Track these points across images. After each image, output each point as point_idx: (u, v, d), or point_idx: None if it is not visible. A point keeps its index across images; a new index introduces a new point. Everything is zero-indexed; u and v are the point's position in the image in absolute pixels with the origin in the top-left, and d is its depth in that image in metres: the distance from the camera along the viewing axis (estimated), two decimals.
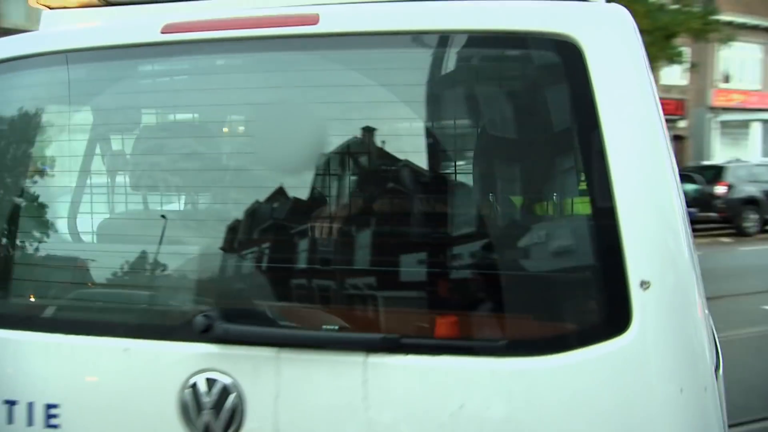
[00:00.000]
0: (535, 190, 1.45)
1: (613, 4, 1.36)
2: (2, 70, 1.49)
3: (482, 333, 1.37)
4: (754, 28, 23.96)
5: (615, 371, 1.17)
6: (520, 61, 1.42)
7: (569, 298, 1.32)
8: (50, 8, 1.70)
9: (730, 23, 19.14)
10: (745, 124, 25.60)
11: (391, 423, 1.25)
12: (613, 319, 1.17)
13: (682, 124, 23.65)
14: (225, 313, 1.26)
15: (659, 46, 12.56)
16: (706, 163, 20.05)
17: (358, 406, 1.22)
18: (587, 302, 1.30)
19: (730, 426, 2.69)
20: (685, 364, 1.18)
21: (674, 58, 13.89)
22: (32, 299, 1.57)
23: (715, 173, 14.90)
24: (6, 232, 1.55)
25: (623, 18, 1.29)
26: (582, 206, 1.29)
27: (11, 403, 1.36)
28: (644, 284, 1.13)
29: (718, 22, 14.53)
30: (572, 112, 1.29)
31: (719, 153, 23.75)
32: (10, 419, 1.36)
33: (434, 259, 1.39)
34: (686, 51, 15.62)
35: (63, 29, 1.59)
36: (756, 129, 25.31)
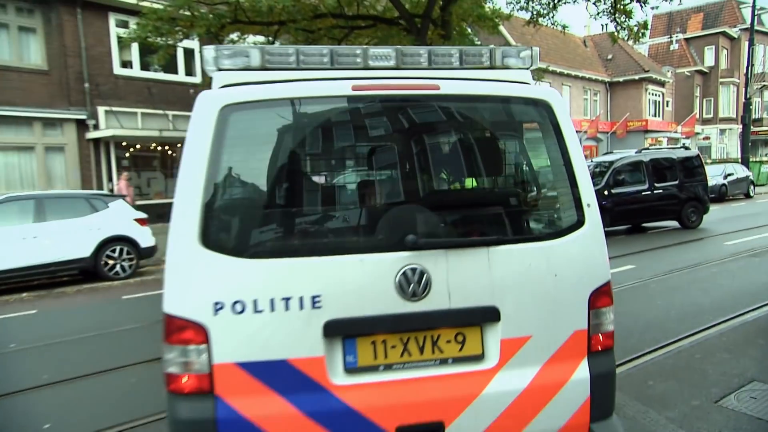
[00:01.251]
0: (538, 173, 2.96)
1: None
2: (248, 108, 2.41)
3: (533, 232, 2.84)
4: (542, 70, 30.82)
5: (583, 242, 2.59)
6: (531, 110, 2.81)
7: (564, 214, 2.72)
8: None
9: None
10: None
11: (501, 276, 2.47)
12: (580, 221, 2.59)
13: None
14: (419, 235, 2.39)
15: None
16: None
17: (486, 271, 2.45)
18: (571, 215, 2.63)
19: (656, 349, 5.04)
20: (600, 232, 2.63)
21: None
22: (309, 239, 2.60)
23: None
24: (289, 204, 2.62)
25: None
26: (562, 179, 2.68)
27: (287, 299, 2.28)
28: (588, 205, 2.59)
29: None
30: (555, 136, 2.65)
31: None
32: (287, 307, 2.29)
33: (515, 203, 2.92)
34: None
35: (284, 85, 2.46)
36: None
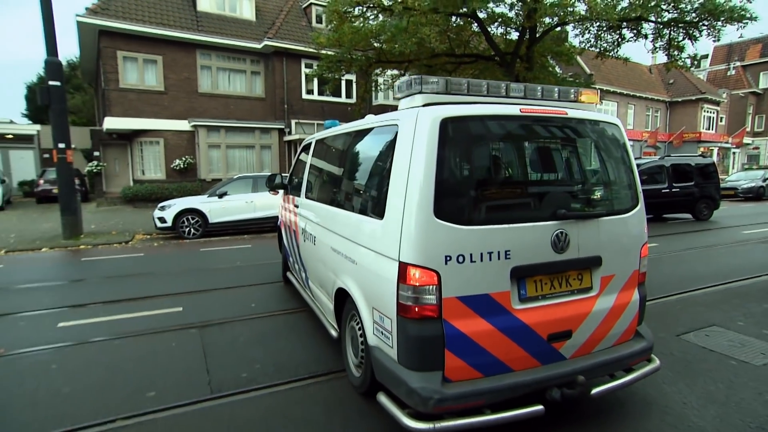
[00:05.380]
0: (618, 172, 3.00)
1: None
2: (460, 122, 2.47)
3: (619, 209, 2.87)
4: (612, 93, 30.33)
5: (638, 215, 2.91)
6: (609, 129, 2.99)
7: (630, 198, 2.93)
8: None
9: (600, 89, 22.14)
10: None
11: (603, 236, 2.73)
12: (636, 202, 2.91)
13: None
14: (561, 212, 2.58)
15: None
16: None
17: (597, 233, 2.70)
18: (633, 199, 2.92)
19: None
20: (644, 209, 2.94)
21: None
22: (503, 213, 2.59)
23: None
24: (490, 189, 2.67)
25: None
26: (628, 177, 3.01)
27: (490, 253, 2.42)
28: (640, 193, 2.92)
29: (594, 88, 17.28)
30: (623, 148, 3.02)
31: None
32: (490, 258, 2.43)
33: (609, 191, 2.99)
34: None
35: (477, 106, 2.55)
36: None
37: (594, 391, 2.53)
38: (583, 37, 14.90)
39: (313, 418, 2.77)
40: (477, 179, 2.63)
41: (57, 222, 10.92)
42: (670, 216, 13.21)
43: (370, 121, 3.20)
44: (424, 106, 2.48)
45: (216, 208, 10.50)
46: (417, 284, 2.31)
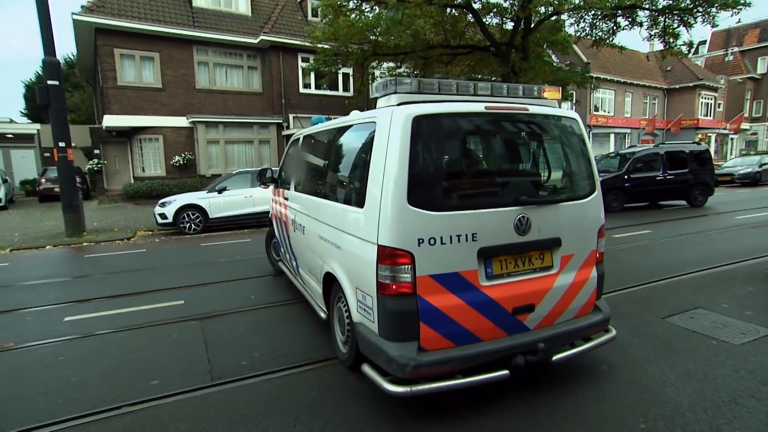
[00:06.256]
0: (575, 162, 3.27)
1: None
2: (430, 119, 2.69)
3: (576, 195, 3.13)
4: (609, 81, 30.52)
5: (595, 201, 3.16)
6: (568, 124, 3.24)
7: (587, 186, 3.19)
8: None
9: (597, 77, 23.78)
10: (606, 135, 31.85)
11: (562, 219, 2.99)
12: (593, 189, 3.17)
13: None
14: (523, 198, 2.85)
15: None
16: None
17: (556, 217, 2.96)
18: (590, 186, 3.19)
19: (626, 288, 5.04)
20: (600, 195, 3.21)
21: (567, 97, 18.20)
22: (469, 200, 2.84)
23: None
24: (457, 178, 2.93)
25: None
26: (585, 166, 3.27)
27: (458, 236, 2.66)
28: (596, 181, 3.21)
29: (590, 77, 17.27)
30: (580, 141, 3.25)
31: (593, 151, 29.98)
32: (458, 240, 2.66)
33: (568, 179, 3.23)
34: (574, 93, 20.45)
35: (446, 104, 2.78)
36: (611, 137, 32.12)
37: (555, 357, 2.87)
38: (578, 26, 14.88)
39: (309, 401, 2.91)
40: (446, 170, 2.85)
41: (60, 220, 11.05)
42: (666, 203, 13.31)
43: (351, 118, 3.43)
44: (398, 105, 2.71)
45: (216, 204, 10.62)
46: (393, 264, 2.57)
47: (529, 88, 3.08)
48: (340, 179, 3.48)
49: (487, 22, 14.93)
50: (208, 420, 2.73)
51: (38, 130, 23.14)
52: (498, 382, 2.67)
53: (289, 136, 18.58)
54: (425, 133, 2.65)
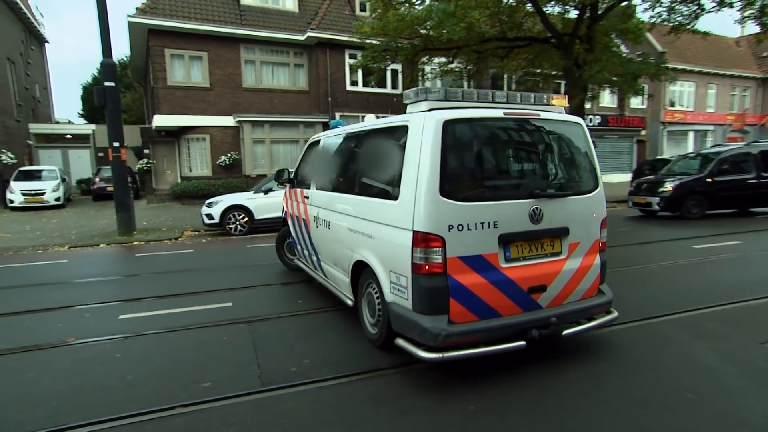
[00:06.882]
0: (581, 160, 3.87)
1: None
2: (458, 123, 3.28)
3: (583, 190, 3.72)
4: (689, 72, 28.65)
5: (599, 195, 3.80)
6: (574, 127, 3.84)
7: (592, 182, 3.80)
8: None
9: (674, 68, 21.83)
10: (683, 133, 30.05)
11: (570, 211, 3.58)
12: (597, 185, 3.80)
13: (643, 132, 28.00)
14: (536, 191, 3.44)
15: (628, 84, 14.89)
16: (659, 157, 22.71)
17: (564, 209, 3.56)
18: (594, 182, 3.80)
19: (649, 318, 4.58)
20: (602, 191, 3.84)
21: (639, 91, 15.98)
22: (492, 192, 3.41)
23: (665, 164, 15.56)
24: (481, 174, 3.49)
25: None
26: (590, 164, 3.91)
27: (482, 223, 3.24)
28: (599, 177, 3.83)
29: (666, 68, 16.02)
30: (585, 142, 3.86)
31: (667, 151, 28.30)
32: (482, 227, 3.23)
33: (575, 175, 3.80)
34: (646, 86, 18.12)
35: (471, 110, 3.38)
36: (690, 136, 30.26)
37: (565, 332, 3.46)
38: (653, 11, 14.14)
39: (363, 414, 2.92)
40: (471, 166, 3.41)
41: (112, 219, 11.87)
42: (759, 210, 12.31)
43: (381, 121, 4.07)
44: (429, 111, 3.28)
45: (261, 205, 11.00)
46: (427, 247, 3.12)
47: (540, 96, 3.68)
48: (373, 176, 3.95)
49: (547, 11, 14.53)
50: (260, 426, 2.81)
51: (93, 130, 25.02)
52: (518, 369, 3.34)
53: None
54: (453, 134, 3.23)
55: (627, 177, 23.83)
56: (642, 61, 15.19)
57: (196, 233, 11.34)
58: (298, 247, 6.04)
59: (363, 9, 20.20)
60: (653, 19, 14.38)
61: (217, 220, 10.80)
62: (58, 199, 17.56)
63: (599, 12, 13.92)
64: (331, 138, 5.11)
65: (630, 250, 8.23)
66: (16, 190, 16.90)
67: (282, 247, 6.93)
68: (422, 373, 3.46)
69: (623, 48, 19.03)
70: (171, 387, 3.35)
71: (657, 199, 11.80)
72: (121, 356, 3.93)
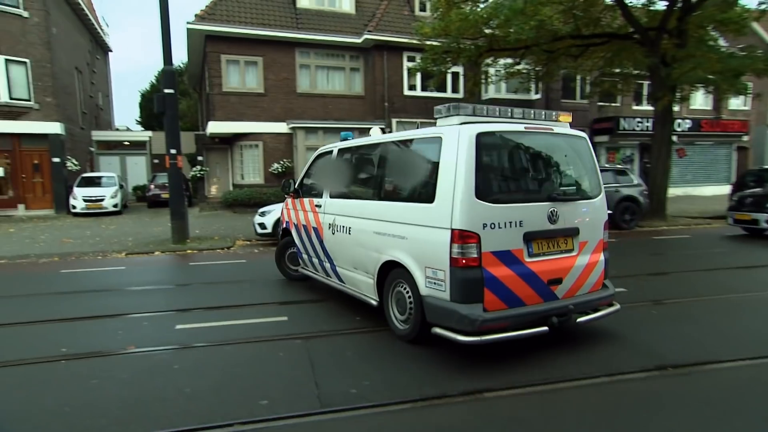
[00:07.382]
0: (586, 170, 4.75)
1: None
2: (488, 136, 4.05)
3: (589, 196, 4.61)
4: None
5: (602, 201, 4.69)
6: (579, 141, 4.69)
7: (596, 188, 4.69)
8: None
9: None
10: None
11: (580, 213, 4.46)
12: (600, 191, 4.68)
13: (745, 138, 26.31)
14: (554, 195, 4.30)
15: (729, 82, 13.74)
16: (766, 166, 19.95)
17: (575, 211, 4.42)
18: (598, 188, 4.69)
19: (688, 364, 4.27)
20: (604, 197, 4.74)
21: (742, 90, 14.64)
22: (518, 195, 4.22)
23: None
24: (509, 179, 4.35)
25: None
26: (594, 173, 4.81)
27: (510, 222, 3.97)
28: (602, 185, 4.72)
29: None
30: (590, 154, 4.74)
31: None
32: (510, 226, 3.97)
33: (583, 183, 4.67)
34: (751, 84, 16.11)
35: (497, 124, 4.18)
36: None
37: (579, 320, 4.31)
38: None
39: None
40: (500, 173, 4.23)
41: (166, 226, 12.61)
42: None
43: (408, 133, 4.73)
44: (461, 124, 4.00)
45: None
46: (464, 242, 3.78)
47: (548, 113, 4.57)
48: (404, 182, 4.63)
49: (630, 4, 13.99)
50: None
51: (150, 137, 26.85)
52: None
53: None
54: (484, 145, 3.95)
55: (724, 189, 22.25)
56: (747, 56, 14.04)
57: (248, 243, 11.79)
58: (305, 256, 6.52)
59: (423, 9, 20.41)
60: (764, 5, 13.34)
61: (269, 230, 11.16)
62: (115, 206, 18.95)
63: (693, 1, 13.19)
64: (348, 149, 5.73)
65: (729, 274, 7.62)
66: (79, 196, 18.43)
67: (283, 259, 7.37)
68: (491, 403, 3.38)
69: (721, 41, 17.84)
70: (228, 402, 3.47)
71: (766, 215, 10.94)
72: (179, 367, 4.14)
